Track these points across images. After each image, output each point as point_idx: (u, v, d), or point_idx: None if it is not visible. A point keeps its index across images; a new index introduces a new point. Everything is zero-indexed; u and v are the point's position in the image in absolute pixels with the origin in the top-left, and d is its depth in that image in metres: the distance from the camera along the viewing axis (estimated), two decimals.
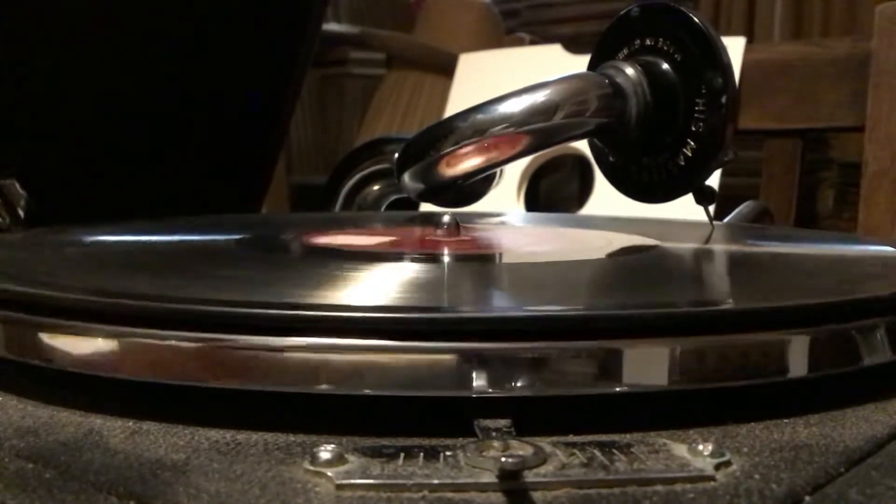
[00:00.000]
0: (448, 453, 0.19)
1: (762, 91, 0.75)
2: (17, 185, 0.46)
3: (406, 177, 0.36)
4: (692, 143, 0.36)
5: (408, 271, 0.30)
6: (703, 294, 0.29)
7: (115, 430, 0.22)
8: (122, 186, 0.57)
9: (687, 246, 0.40)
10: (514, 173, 0.80)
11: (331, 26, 1.71)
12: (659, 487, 0.18)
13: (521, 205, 0.80)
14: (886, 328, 0.25)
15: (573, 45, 0.84)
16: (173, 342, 0.22)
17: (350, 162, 0.65)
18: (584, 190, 0.83)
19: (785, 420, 0.22)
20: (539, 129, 0.34)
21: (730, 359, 0.22)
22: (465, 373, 0.21)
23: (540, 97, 0.34)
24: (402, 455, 0.19)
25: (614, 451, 0.20)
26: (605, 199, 0.71)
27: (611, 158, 0.39)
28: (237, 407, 0.23)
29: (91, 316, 0.23)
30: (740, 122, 0.75)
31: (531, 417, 0.21)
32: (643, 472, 0.19)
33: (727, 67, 0.35)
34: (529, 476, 0.18)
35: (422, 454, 0.19)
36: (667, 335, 0.22)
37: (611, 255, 0.35)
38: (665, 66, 0.36)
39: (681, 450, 0.20)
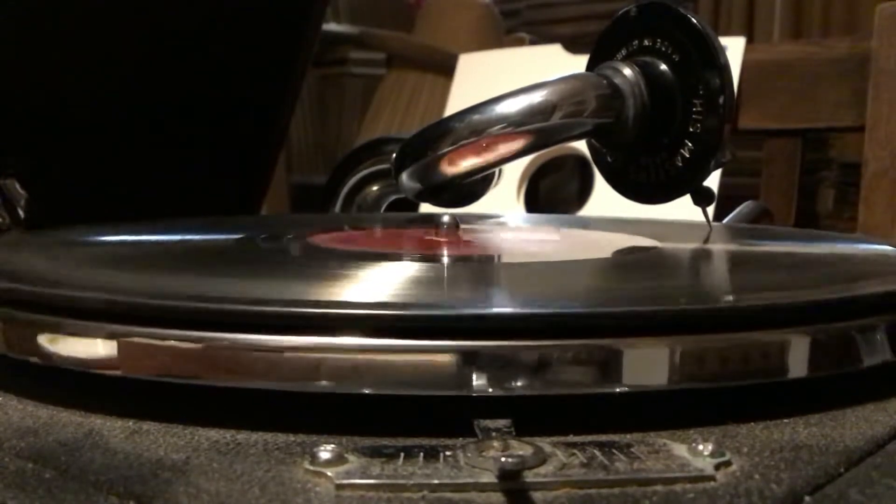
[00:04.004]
0: (448, 453, 0.19)
1: (762, 91, 0.75)
2: (17, 185, 0.46)
3: (404, 177, 0.36)
4: (690, 144, 0.36)
5: (408, 271, 0.30)
6: (703, 294, 0.29)
7: (115, 430, 0.22)
8: (122, 186, 0.57)
9: (687, 246, 0.40)
10: (513, 174, 0.80)
11: (331, 26, 1.71)
12: (659, 487, 0.18)
13: (520, 205, 0.80)
14: (886, 328, 0.25)
15: (573, 45, 0.84)
16: (173, 341, 0.22)
17: (350, 162, 0.65)
18: (584, 190, 0.83)
19: (785, 420, 0.23)
20: (536, 130, 0.34)
21: (730, 358, 0.23)
22: (465, 372, 0.21)
23: (537, 97, 0.34)
24: (402, 455, 0.19)
25: (614, 451, 0.20)
26: (605, 199, 0.71)
27: (609, 159, 0.39)
28: (237, 407, 0.23)
29: (91, 315, 0.23)
30: (740, 122, 0.75)
31: (531, 417, 0.21)
32: (643, 472, 0.19)
33: (725, 68, 0.35)
34: (529, 476, 0.18)
35: (422, 454, 0.19)
36: (667, 335, 0.22)
37: (610, 256, 0.35)
38: (663, 66, 0.36)
39: (681, 450, 0.20)
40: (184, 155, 0.62)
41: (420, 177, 0.35)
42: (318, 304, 0.24)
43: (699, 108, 0.35)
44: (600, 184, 0.74)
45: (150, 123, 0.59)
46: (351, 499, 0.18)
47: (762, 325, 0.23)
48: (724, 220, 0.51)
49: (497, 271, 0.32)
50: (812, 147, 1.12)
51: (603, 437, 0.21)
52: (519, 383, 0.21)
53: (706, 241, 0.40)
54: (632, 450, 0.20)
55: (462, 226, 0.38)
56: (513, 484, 0.18)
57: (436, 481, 0.18)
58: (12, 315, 0.25)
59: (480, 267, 0.33)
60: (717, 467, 0.19)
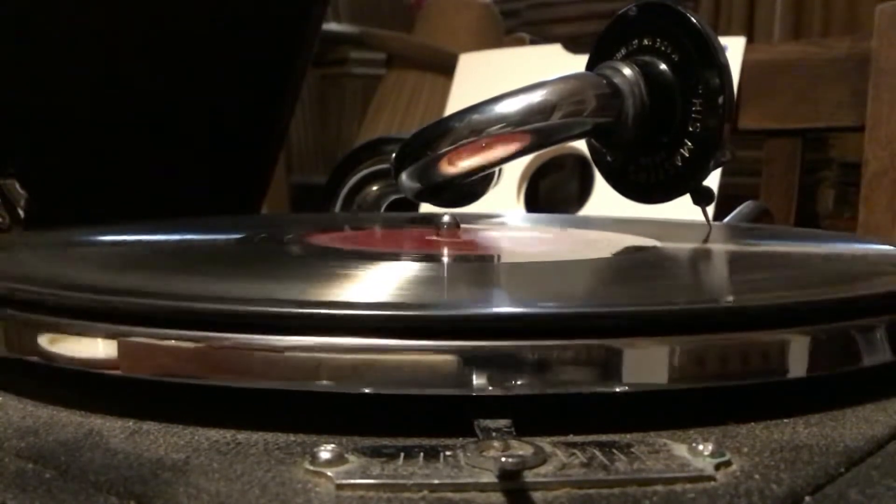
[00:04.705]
0: (448, 453, 0.19)
1: (762, 91, 0.75)
2: (17, 185, 0.46)
3: (403, 176, 0.36)
4: (689, 144, 0.36)
5: (408, 270, 0.30)
6: (703, 293, 0.29)
7: (115, 430, 0.22)
8: (121, 186, 0.57)
9: (687, 246, 0.40)
10: (514, 173, 0.80)
11: (331, 26, 1.71)
12: (659, 487, 0.18)
13: (520, 205, 0.80)
14: (886, 328, 0.25)
15: (573, 45, 0.84)
16: (173, 341, 0.22)
17: (350, 162, 0.65)
18: (584, 190, 0.83)
19: (785, 420, 0.23)
20: (536, 129, 0.34)
21: (730, 358, 0.23)
22: (466, 371, 0.21)
23: (537, 97, 0.34)
24: (402, 455, 0.19)
25: (614, 451, 0.20)
26: (605, 199, 0.71)
27: (608, 158, 0.39)
28: (237, 407, 0.23)
29: (91, 315, 0.23)
30: (740, 122, 0.75)
31: (531, 417, 0.21)
32: (643, 472, 0.19)
33: (724, 67, 0.35)
34: (529, 476, 0.18)
35: (422, 454, 0.19)
36: (667, 334, 0.22)
37: (610, 255, 0.35)
38: (662, 66, 0.36)
39: (681, 450, 0.20)
40: (184, 155, 0.62)
41: (420, 177, 0.35)
42: (318, 304, 0.24)
43: (699, 108, 0.35)
44: (600, 184, 0.74)
45: (149, 123, 0.59)
46: (351, 499, 0.18)
47: (762, 325, 0.23)
48: (724, 220, 0.51)
49: (497, 271, 0.32)
50: (812, 147, 1.12)
51: (603, 437, 0.21)
52: (519, 383, 0.21)
53: (706, 240, 0.40)
54: (632, 450, 0.20)
55: (462, 225, 0.38)
56: (513, 484, 0.18)
57: (436, 481, 0.18)
58: (12, 315, 0.25)
59: (480, 267, 0.33)
60: (717, 467, 0.19)
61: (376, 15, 1.90)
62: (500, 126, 0.33)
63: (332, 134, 1.82)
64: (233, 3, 0.61)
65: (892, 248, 0.36)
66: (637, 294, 0.28)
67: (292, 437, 0.21)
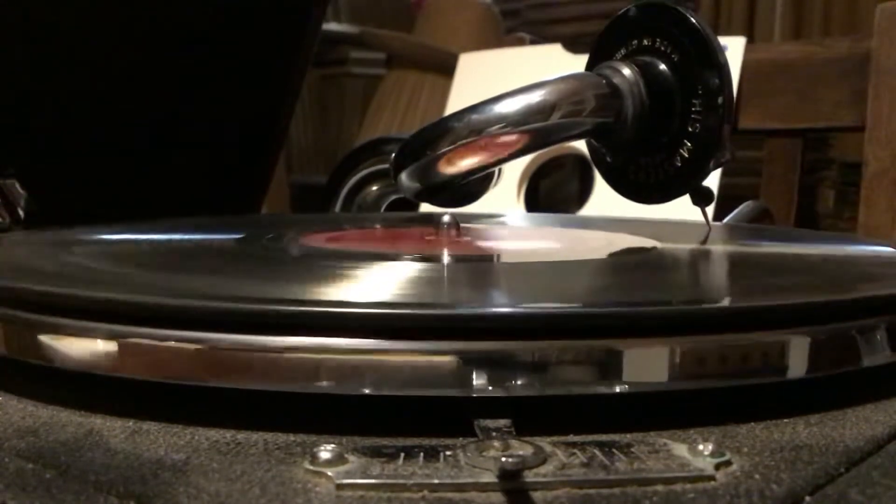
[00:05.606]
0: (448, 453, 0.19)
1: (762, 91, 0.75)
2: (17, 185, 0.47)
3: (403, 176, 0.36)
4: (689, 144, 0.36)
5: (408, 271, 0.30)
6: (703, 293, 0.29)
7: (115, 430, 0.22)
8: (121, 186, 0.57)
9: (687, 246, 0.40)
10: (514, 173, 0.80)
11: (331, 26, 1.71)
12: (659, 487, 0.18)
13: (521, 205, 0.80)
14: (886, 328, 0.25)
15: (573, 45, 0.84)
16: (173, 342, 0.22)
17: (350, 162, 0.65)
18: (584, 190, 0.83)
19: (785, 420, 0.23)
20: (535, 129, 0.34)
21: (729, 358, 0.23)
22: (466, 372, 0.21)
23: (536, 97, 0.34)
24: (402, 455, 0.19)
25: (614, 451, 0.20)
26: (605, 199, 0.71)
27: (608, 159, 0.39)
28: (237, 407, 0.23)
29: (91, 315, 0.23)
30: (740, 122, 0.75)
31: (531, 417, 0.21)
32: (643, 472, 0.19)
33: (724, 67, 0.35)
34: (529, 476, 0.18)
35: (422, 454, 0.19)
36: (667, 334, 0.22)
37: (610, 256, 0.35)
38: (662, 66, 0.36)
39: (681, 450, 0.20)
40: (184, 155, 0.62)
41: (419, 176, 0.35)
42: (318, 304, 0.24)
43: (698, 108, 0.35)
44: (600, 184, 0.74)
45: (149, 123, 0.59)
46: (351, 499, 0.18)
47: (762, 326, 0.23)
48: (724, 220, 0.51)
49: (497, 271, 0.32)
50: (812, 147, 1.12)
51: (603, 437, 0.21)
52: (519, 383, 0.21)
53: (706, 241, 0.40)
54: (632, 450, 0.20)
55: (462, 225, 0.38)
56: (513, 484, 0.18)
57: (436, 481, 0.18)
58: (12, 315, 0.25)
59: (480, 267, 0.33)
60: (717, 467, 0.19)
61: (376, 15, 1.90)
62: (499, 126, 0.33)
63: (332, 134, 1.82)
64: (233, 3, 0.61)
65: (892, 248, 0.36)
66: (637, 294, 0.28)
67: (292, 437, 0.21)
